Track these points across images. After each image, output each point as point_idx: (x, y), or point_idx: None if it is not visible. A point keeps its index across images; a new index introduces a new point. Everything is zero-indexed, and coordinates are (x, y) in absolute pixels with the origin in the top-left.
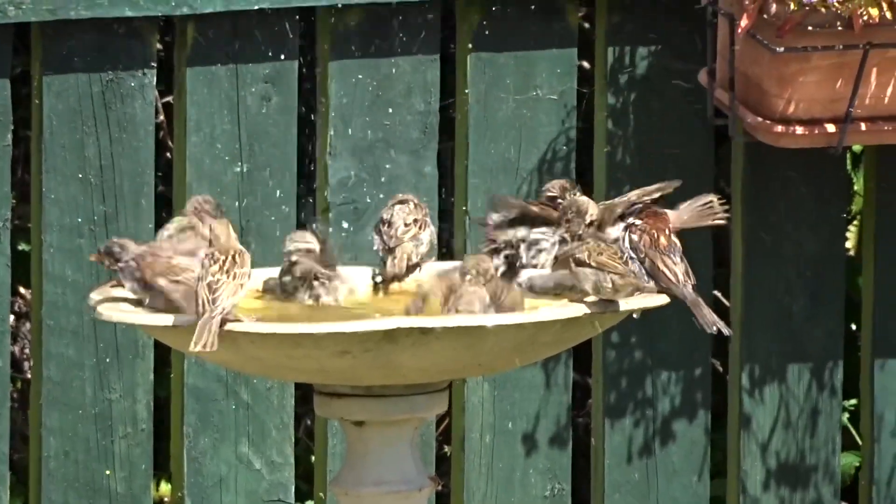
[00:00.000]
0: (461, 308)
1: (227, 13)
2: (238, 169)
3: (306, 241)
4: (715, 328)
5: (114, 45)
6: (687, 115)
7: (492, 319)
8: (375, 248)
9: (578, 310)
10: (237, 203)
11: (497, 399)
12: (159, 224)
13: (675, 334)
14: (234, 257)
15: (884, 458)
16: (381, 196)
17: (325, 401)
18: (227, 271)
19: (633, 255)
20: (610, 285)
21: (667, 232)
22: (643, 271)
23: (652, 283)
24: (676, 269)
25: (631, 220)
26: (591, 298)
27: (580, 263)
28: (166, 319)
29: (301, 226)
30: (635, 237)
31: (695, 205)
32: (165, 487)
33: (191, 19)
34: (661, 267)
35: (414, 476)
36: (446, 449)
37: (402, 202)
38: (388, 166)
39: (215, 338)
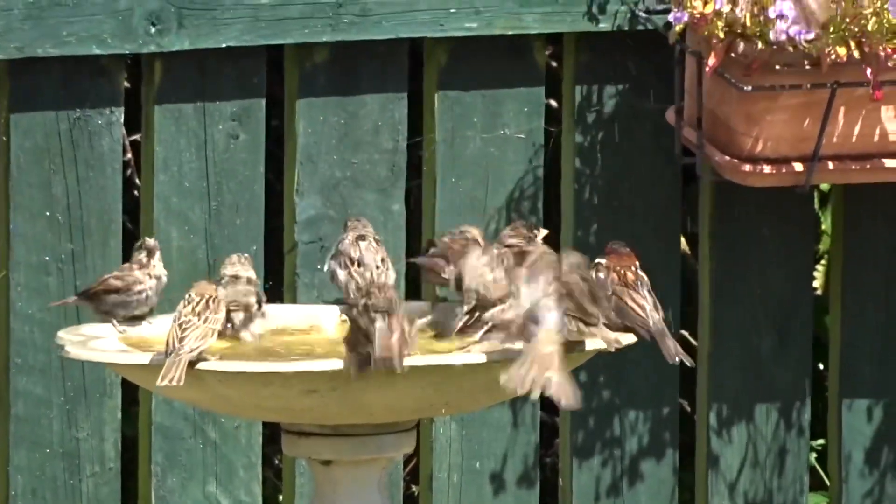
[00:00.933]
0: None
1: (194, 51)
2: (206, 207)
3: (243, 267)
4: (678, 359)
5: (81, 83)
6: (655, 154)
7: (459, 358)
8: (344, 284)
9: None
10: (205, 241)
11: (465, 438)
12: (127, 262)
13: (643, 373)
14: (207, 301)
15: (852, 499)
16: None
17: (293, 440)
18: (199, 314)
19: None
20: (575, 329)
21: (633, 268)
22: (609, 307)
23: (613, 335)
24: (644, 303)
25: (596, 260)
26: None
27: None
28: (134, 358)
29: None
30: (602, 275)
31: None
32: None
33: (158, 57)
34: (629, 302)
35: None
36: (414, 489)
37: (361, 237)
38: (355, 204)
39: (182, 374)
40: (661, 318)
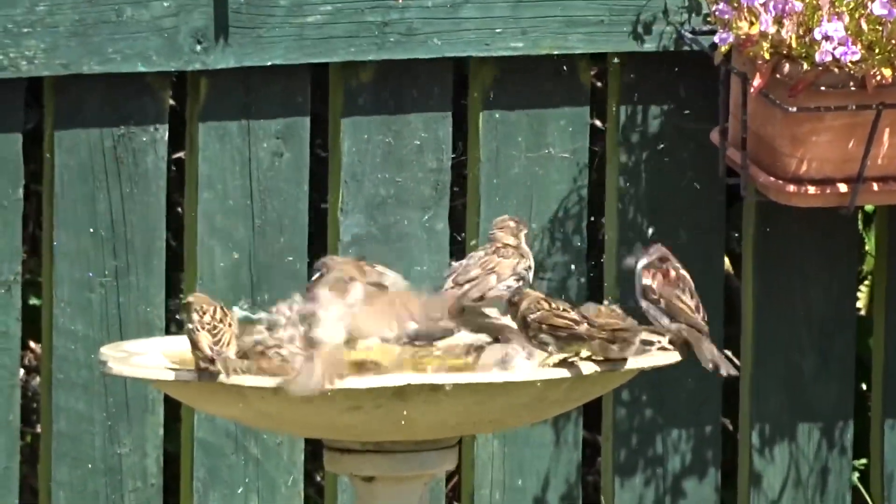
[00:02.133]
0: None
1: (239, 69)
2: (250, 225)
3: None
4: (711, 365)
5: (126, 101)
6: (699, 174)
7: (501, 376)
8: None
9: (587, 368)
10: (249, 259)
11: (507, 456)
12: (170, 280)
13: (686, 392)
14: (221, 308)
15: None
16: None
17: (335, 456)
18: (221, 321)
19: (649, 299)
20: (616, 346)
21: (674, 267)
22: (660, 312)
23: (666, 321)
24: (690, 302)
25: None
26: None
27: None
28: (176, 375)
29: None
30: (647, 281)
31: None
32: None
33: (203, 75)
34: (677, 302)
35: None
36: None
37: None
38: (400, 223)
39: (238, 365)
40: (703, 319)
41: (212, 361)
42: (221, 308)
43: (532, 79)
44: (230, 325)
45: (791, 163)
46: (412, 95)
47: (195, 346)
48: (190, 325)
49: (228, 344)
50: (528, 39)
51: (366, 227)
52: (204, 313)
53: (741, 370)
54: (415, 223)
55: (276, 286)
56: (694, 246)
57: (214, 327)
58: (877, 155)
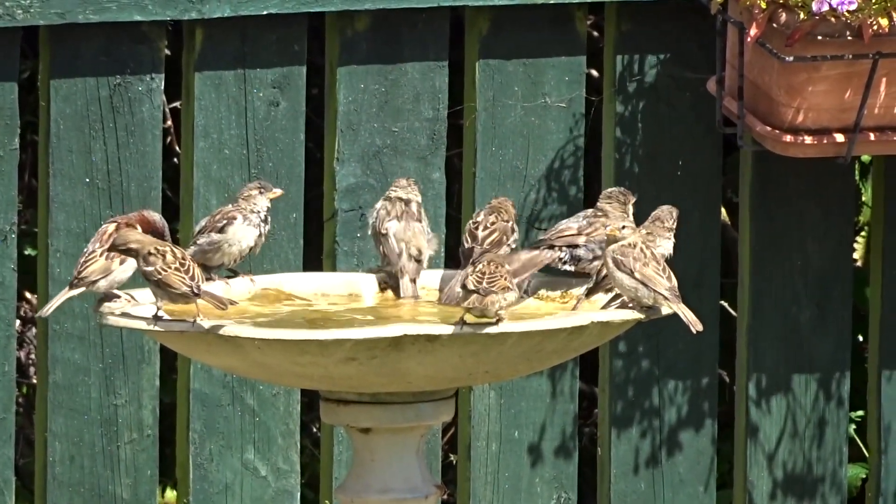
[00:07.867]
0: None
1: (235, 18)
2: (246, 174)
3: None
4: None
5: (122, 50)
6: (695, 124)
7: (497, 328)
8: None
9: (584, 318)
10: None
11: (503, 407)
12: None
13: (683, 344)
14: (174, 248)
15: (891, 470)
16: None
17: (332, 408)
18: (184, 257)
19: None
20: (651, 303)
21: None
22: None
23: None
24: None
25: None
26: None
27: (619, 266)
28: (171, 325)
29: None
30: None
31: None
32: (171, 494)
33: (199, 24)
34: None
35: (420, 484)
36: (452, 457)
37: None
38: (395, 173)
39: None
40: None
41: (196, 296)
42: (175, 247)
43: (528, 28)
44: (192, 259)
45: (788, 112)
46: (408, 45)
47: (168, 287)
48: (150, 268)
49: (202, 277)
50: None
51: (362, 177)
52: (164, 255)
53: (738, 322)
54: (411, 172)
55: (271, 236)
56: (690, 197)
57: (182, 264)
58: (873, 105)
